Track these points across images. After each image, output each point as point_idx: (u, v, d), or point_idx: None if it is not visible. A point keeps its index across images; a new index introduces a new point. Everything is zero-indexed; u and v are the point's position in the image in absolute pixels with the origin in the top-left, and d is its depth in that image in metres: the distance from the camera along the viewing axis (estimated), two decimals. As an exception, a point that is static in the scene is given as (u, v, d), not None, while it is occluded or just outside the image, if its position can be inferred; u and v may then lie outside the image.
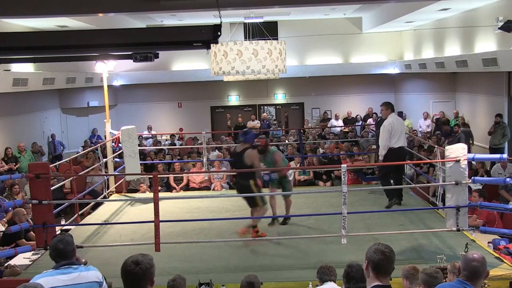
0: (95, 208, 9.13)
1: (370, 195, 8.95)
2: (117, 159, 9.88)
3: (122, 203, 8.95)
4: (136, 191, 10.42)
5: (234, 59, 8.13)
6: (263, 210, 6.89)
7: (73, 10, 6.74)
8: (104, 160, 9.44)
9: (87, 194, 10.29)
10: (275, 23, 16.10)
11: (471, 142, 12.55)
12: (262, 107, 18.54)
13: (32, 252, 6.50)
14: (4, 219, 7.86)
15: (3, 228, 7.21)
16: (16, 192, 9.13)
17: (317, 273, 4.41)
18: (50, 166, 6.82)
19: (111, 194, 9.53)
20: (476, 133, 13.57)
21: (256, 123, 16.64)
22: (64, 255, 3.27)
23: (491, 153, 11.22)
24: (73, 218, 8.02)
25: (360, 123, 16.21)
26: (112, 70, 12.63)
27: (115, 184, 9.65)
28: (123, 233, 7.30)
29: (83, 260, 6.00)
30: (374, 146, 10.71)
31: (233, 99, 18.42)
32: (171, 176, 11.06)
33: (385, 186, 8.14)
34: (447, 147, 6.24)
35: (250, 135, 6.97)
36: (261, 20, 13.31)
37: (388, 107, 8.03)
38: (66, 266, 3.24)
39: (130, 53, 4.64)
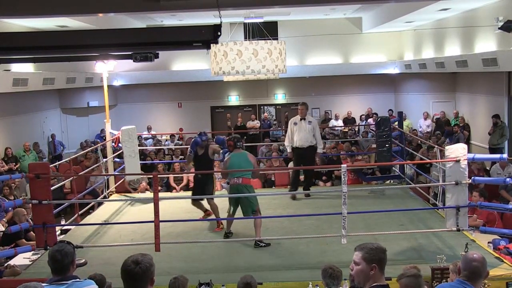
0: (94, 208, 9.15)
1: (370, 195, 8.95)
2: (117, 159, 9.88)
3: (122, 203, 8.95)
4: (135, 190, 10.43)
5: (234, 59, 8.12)
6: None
7: (73, 10, 6.75)
8: (104, 160, 9.44)
9: (88, 194, 10.33)
10: (275, 23, 16.09)
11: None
12: (262, 107, 18.54)
13: (32, 252, 6.49)
14: (4, 219, 7.86)
15: (3, 228, 7.21)
16: (7, 193, 9.12)
17: (322, 274, 4.34)
18: (50, 166, 6.82)
19: (111, 194, 9.53)
20: (476, 133, 13.58)
21: (256, 123, 16.65)
22: (60, 268, 3.06)
23: (490, 153, 11.22)
24: (73, 218, 8.02)
25: (364, 122, 16.23)
26: (112, 70, 12.60)
27: (115, 184, 9.65)
28: (123, 233, 7.30)
29: (83, 260, 6.04)
30: (374, 146, 10.71)
31: (233, 99, 18.42)
32: (171, 176, 11.06)
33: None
34: (447, 147, 6.24)
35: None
36: (261, 20, 13.30)
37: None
38: (58, 283, 3.03)
39: (130, 53, 4.64)
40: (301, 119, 8.76)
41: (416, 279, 3.73)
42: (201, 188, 7.41)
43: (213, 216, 7.52)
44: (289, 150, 9.01)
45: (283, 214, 7.88)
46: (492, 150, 11.45)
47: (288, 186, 9.52)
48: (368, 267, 2.78)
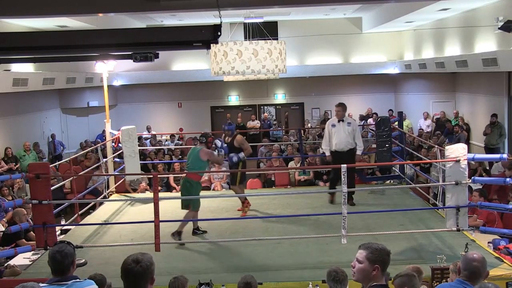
0: (95, 207, 9.14)
1: (370, 195, 8.95)
2: (117, 159, 9.89)
3: (122, 203, 8.95)
4: (136, 191, 10.43)
5: (234, 59, 8.12)
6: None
7: (73, 10, 6.74)
8: (105, 160, 9.44)
9: (89, 193, 10.34)
10: (275, 23, 16.10)
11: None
12: (262, 107, 18.54)
13: (32, 252, 6.49)
14: (4, 219, 7.86)
15: (3, 228, 7.21)
16: (6, 194, 9.13)
17: (326, 276, 4.31)
18: (50, 166, 6.82)
19: (111, 194, 9.53)
20: (476, 133, 13.56)
21: (256, 123, 16.64)
22: (60, 268, 3.05)
23: (486, 152, 11.21)
24: (73, 218, 8.02)
25: (363, 122, 16.20)
26: (112, 70, 12.62)
27: (115, 184, 9.65)
28: (123, 233, 7.30)
29: (83, 260, 6.04)
30: (374, 146, 10.71)
31: (233, 99, 18.43)
32: (171, 176, 11.06)
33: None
34: (447, 147, 6.24)
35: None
36: (261, 20, 13.30)
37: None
38: (58, 283, 3.03)
39: (130, 53, 4.63)
40: (339, 121, 8.27)
41: (409, 278, 3.72)
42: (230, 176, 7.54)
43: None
44: (327, 153, 8.37)
45: (283, 214, 7.88)
46: (489, 150, 11.39)
47: (288, 186, 9.50)
48: (370, 267, 2.78)
